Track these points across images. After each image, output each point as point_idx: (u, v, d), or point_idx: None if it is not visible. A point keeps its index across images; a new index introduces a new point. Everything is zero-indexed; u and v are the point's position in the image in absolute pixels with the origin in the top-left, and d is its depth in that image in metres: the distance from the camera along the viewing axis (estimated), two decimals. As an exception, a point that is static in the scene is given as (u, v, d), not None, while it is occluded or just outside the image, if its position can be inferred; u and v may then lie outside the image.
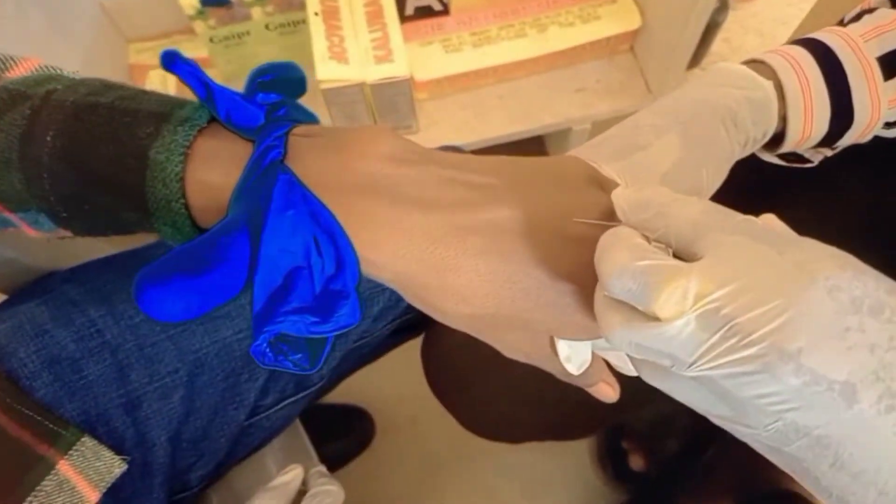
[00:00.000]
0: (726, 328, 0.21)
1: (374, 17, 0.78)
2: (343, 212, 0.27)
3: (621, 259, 0.24)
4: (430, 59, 0.82)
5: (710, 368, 0.22)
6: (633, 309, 0.24)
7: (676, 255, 0.25)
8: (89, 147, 0.29)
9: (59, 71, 0.33)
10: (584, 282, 0.28)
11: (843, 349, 0.21)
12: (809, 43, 0.40)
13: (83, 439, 0.41)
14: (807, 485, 0.24)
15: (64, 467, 0.40)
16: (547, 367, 0.31)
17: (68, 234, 0.32)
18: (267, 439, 0.55)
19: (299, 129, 0.30)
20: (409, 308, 0.55)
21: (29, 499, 0.38)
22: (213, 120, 0.30)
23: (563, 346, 0.30)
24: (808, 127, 0.40)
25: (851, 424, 0.21)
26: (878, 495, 0.21)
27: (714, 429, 0.26)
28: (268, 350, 0.27)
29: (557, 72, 0.86)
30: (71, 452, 0.40)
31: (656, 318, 0.23)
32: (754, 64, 0.41)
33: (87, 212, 0.30)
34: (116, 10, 0.85)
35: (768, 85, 0.39)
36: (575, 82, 0.86)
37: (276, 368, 0.28)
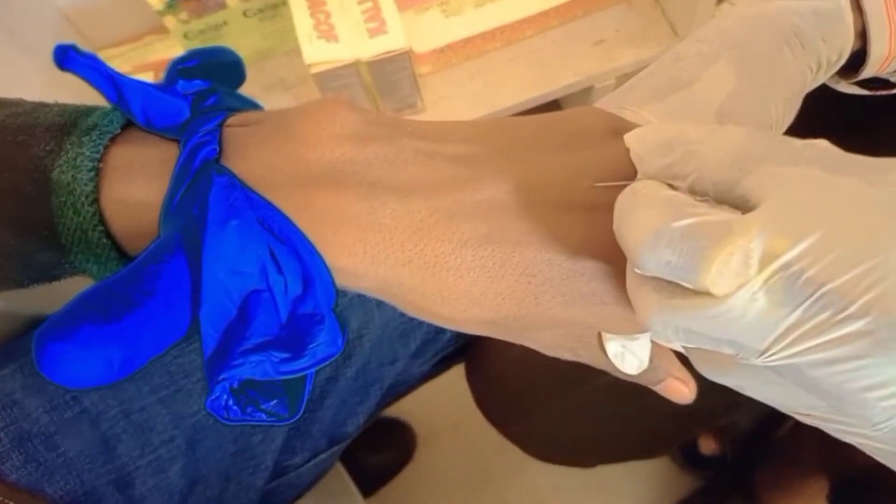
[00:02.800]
0: (814, 298, 0.16)
1: (361, -14, 0.69)
2: (302, 213, 0.22)
3: (651, 222, 0.18)
4: (428, 27, 0.74)
5: (793, 356, 0.17)
6: (676, 283, 0.19)
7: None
8: None
9: None
10: (619, 261, 0.22)
11: None
12: None
13: None
14: None
15: None
16: (598, 365, 0.25)
17: None
18: (300, 494, 0.49)
19: (235, 119, 0.24)
20: (452, 340, 0.48)
21: None
22: (130, 125, 0.24)
23: (612, 344, 0.24)
24: (894, 40, 0.32)
25: None
26: None
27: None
28: (231, 403, 0.21)
29: (572, 24, 0.77)
30: None
31: (708, 294, 0.17)
32: None
33: None
34: (79, 16, 0.78)
35: None
36: (592, 34, 0.77)
37: (247, 423, 0.22)
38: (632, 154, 0.22)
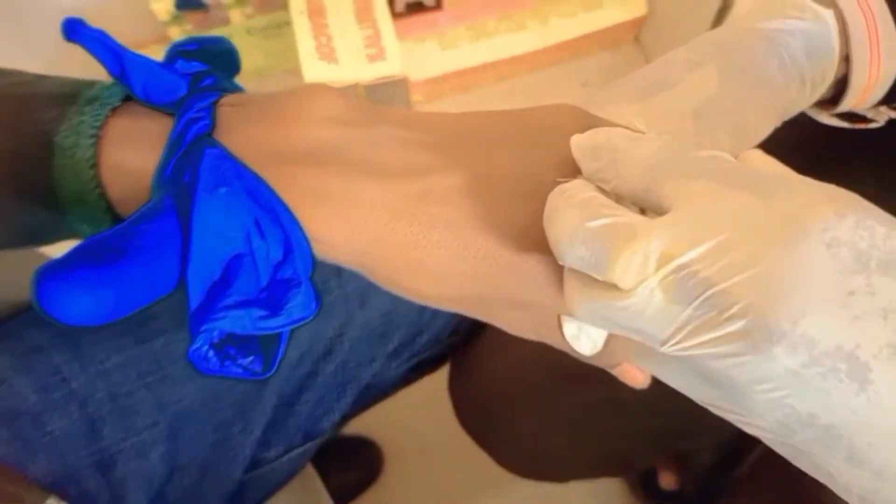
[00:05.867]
0: (703, 298, 0.18)
1: (364, 13, 0.72)
2: (286, 187, 0.23)
3: (570, 221, 0.20)
4: (424, 57, 0.77)
5: (689, 348, 0.19)
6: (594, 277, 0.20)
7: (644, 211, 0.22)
8: None
9: None
10: None
11: (848, 319, 0.17)
12: None
13: (48, 501, 0.35)
14: (825, 482, 0.20)
15: None
16: (558, 346, 0.27)
17: None
18: (273, 490, 0.49)
19: (228, 99, 0.26)
20: (428, 343, 0.50)
21: None
22: (128, 99, 0.26)
23: (569, 326, 0.25)
24: (875, 67, 0.34)
25: (866, 410, 0.17)
26: None
27: (751, 440, 0.22)
28: (212, 354, 0.23)
29: (560, 66, 0.82)
30: None
31: (616, 287, 0.19)
32: None
33: None
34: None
35: (828, 14, 0.33)
36: (579, 76, 0.81)
37: (224, 376, 0.24)
38: (574, 156, 0.23)
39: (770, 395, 0.18)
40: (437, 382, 0.59)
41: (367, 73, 0.69)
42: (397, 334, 0.47)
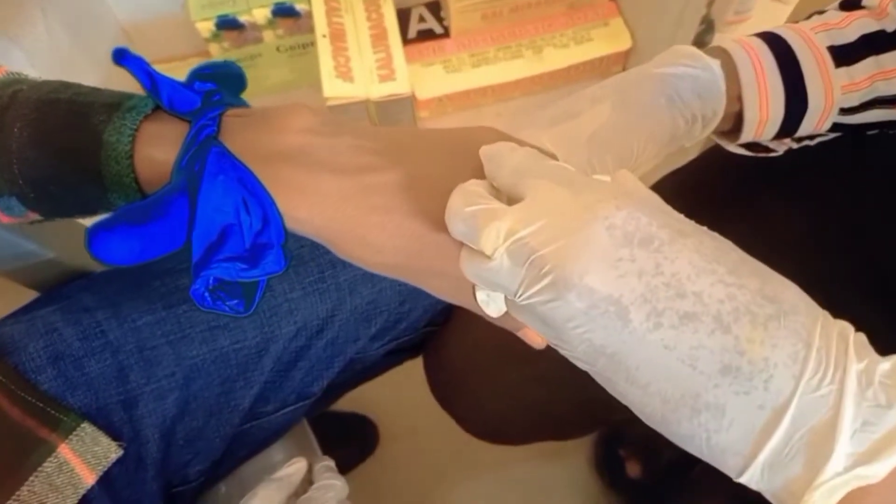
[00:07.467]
0: (529, 261, 0.25)
1: (378, 39, 0.81)
2: (268, 177, 0.30)
3: (456, 205, 0.27)
4: (431, 79, 0.85)
5: (528, 297, 0.25)
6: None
7: (513, 201, 0.28)
8: (52, 134, 0.32)
9: (24, 75, 0.36)
10: None
11: (615, 276, 0.24)
12: (762, 34, 0.42)
13: (83, 425, 0.43)
14: (624, 402, 0.26)
15: (64, 450, 0.42)
16: (473, 309, 0.33)
17: (37, 217, 0.35)
18: (268, 441, 0.57)
19: (232, 111, 0.33)
20: (406, 330, 0.58)
21: (31, 479, 0.40)
22: (157, 109, 0.33)
23: (480, 293, 0.32)
24: (764, 108, 0.41)
25: (630, 341, 0.24)
26: (663, 403, 0.24)
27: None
28: (207, 295, 0.30)
29: (553, 91, 0.89)
30: (71, 437, 0.42)
31: (483, 254, 0.26)
32: (711, 49, 0.42)
33: (52, 192, 0.33)
34: (135, 32, 0.90)
35: (715, 63, 0.40)
36: (572, 101, 0.89)
37: (214, 311, 0.31)
38: (482, 161, 0.30)
39: (575, 330, 0.24)
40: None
41: (379, 91, 0.77)
42: (379, 319, 0.55)
